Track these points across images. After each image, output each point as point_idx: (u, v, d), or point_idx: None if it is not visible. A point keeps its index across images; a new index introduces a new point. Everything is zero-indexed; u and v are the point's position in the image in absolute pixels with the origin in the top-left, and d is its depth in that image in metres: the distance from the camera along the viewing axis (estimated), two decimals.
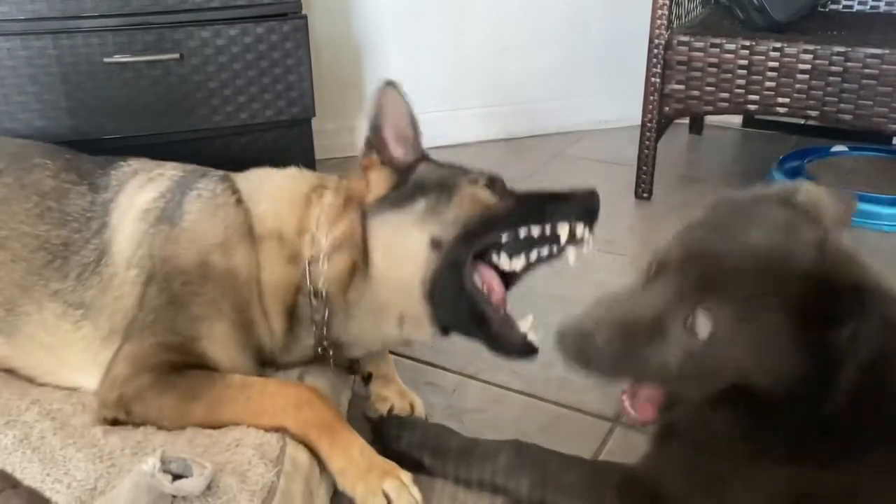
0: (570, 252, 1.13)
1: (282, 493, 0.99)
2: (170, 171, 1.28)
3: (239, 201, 1.21)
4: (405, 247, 1.12)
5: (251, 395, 1.10)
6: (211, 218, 1.19)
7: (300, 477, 1.04)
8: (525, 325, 1.10)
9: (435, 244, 1.10)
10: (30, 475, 0.98)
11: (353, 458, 1.04)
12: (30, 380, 1.22)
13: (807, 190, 0.86)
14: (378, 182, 1.19)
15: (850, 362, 0.71)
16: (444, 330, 1.14)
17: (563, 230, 1.11)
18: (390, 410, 1.21)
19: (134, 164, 1.32)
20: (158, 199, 1.22)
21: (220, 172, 1.29)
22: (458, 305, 1.10)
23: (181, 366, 1.11)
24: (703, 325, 0.77)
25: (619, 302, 0.83)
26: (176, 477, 0.91)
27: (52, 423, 1.09)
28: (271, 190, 1.23)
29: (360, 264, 1.14)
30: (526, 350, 1.09)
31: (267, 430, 1.07)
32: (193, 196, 1.21)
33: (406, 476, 1.04)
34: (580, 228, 1.12)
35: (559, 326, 0.84)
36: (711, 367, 0.78)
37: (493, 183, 1.19)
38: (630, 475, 0.96)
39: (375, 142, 1.21)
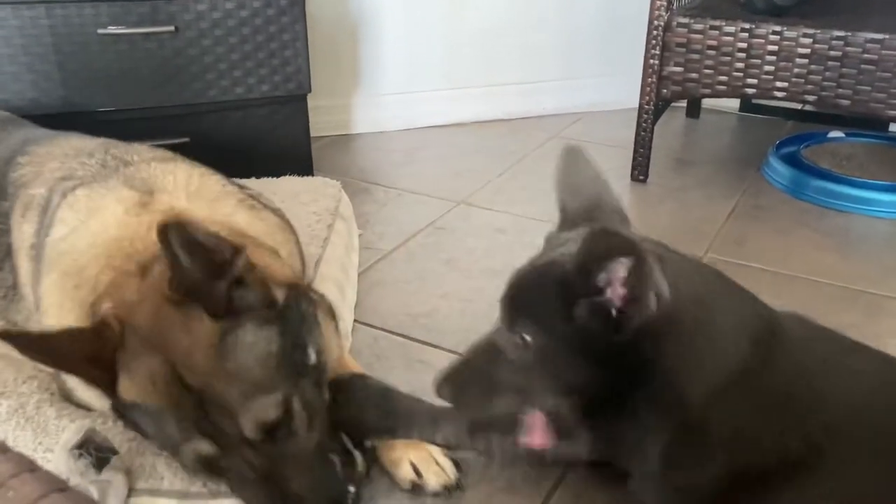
0: None
1: None
2: (41, 189, 1.15)
3: None
4: None
5: None
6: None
7: None
8: None
9: None
10: (22, 443, 0.99)
11: None
12: None
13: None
14: None
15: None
16: None
17: None
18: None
19: (26, 166, 1.21)
20: (38, 233, 1.11)
21: (83, 172, 1.14)
22: None
23: None
24: (524, 341, 0.87)
25: (477, 343, 0.94)
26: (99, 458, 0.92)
27: (50, 396, 1.10)
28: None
29: None
30: None
31: None
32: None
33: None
34: None
35: (437, 376, 0.93)
36: (548, 372, 0.87)
37: None
38: None
39: None
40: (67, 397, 1.09)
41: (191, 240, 0.80)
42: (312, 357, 0.95)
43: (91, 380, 0.91)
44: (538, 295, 0.87)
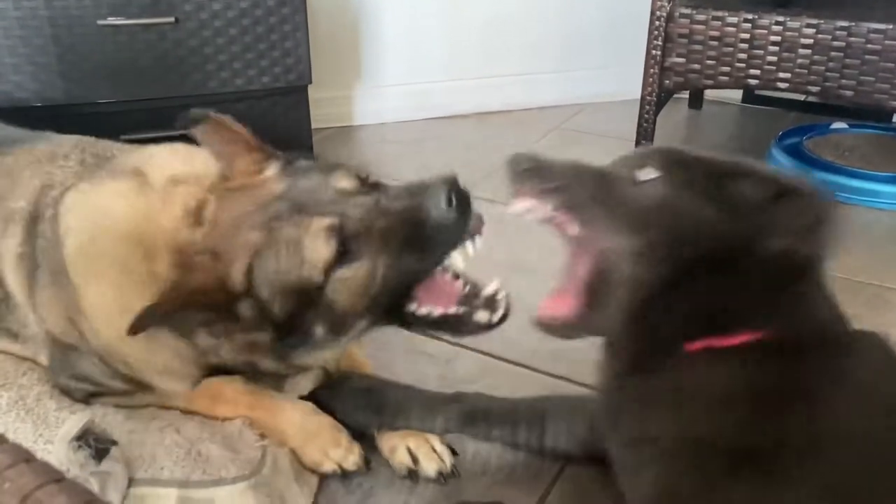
0: (457, 257, 1.01)
1: (271, 462, 1.00)
2: (21, 203, 1.12)
3: None
4: None
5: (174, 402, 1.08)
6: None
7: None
8: (490, 289, 1.04)
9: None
10: (22, 435, 0.99)
11: (294, 426, 1.05)
12: None
13: None
14: None
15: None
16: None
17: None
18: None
19: (2, 175, 1.18)
20: (22, 245, 1.10)
21: (62, 176, 1.14)
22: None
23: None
24: (646, 174, 0.85)
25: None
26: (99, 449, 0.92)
27: (50, 388, 1.10)
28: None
29: None
30: (488, 327, 1.04)
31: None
32: (40, 248, 1.08)
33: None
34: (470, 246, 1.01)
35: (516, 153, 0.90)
36: (663, 214, 0.83)
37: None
38: None
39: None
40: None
41: None
42: None
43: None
44: (689, 161, 0.87)
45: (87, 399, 1.08)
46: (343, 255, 0.92)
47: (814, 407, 0.78)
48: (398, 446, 1.08)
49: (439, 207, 0.92)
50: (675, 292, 0.83)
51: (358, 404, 1.09)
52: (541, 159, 0.89)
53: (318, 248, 0.91)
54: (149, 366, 1.03)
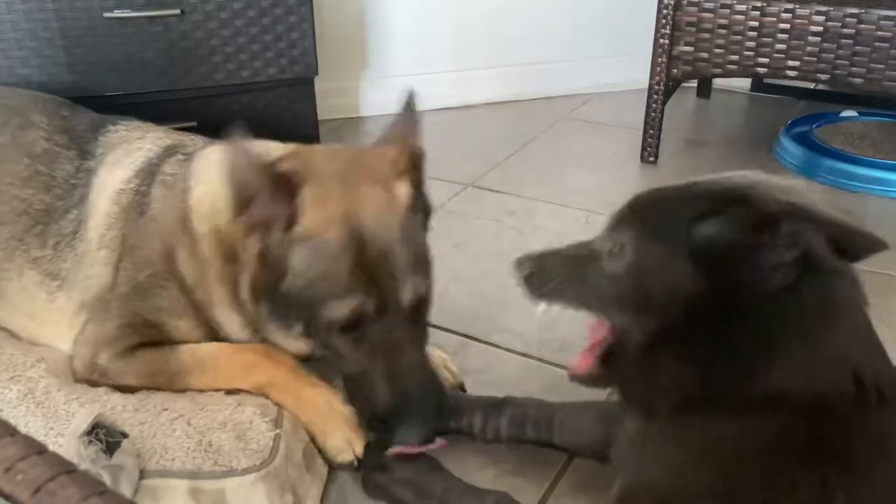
0: None
1: (283, 453, 1.00)
2: (147, 144, 1.23)
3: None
4: None
5: (205, 367, 1.10)
6: (173, 210, 1.13)
7: (301, 437, 1.05)
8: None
9: None
10: (33, 428, 1.00)
11: (320, 412, 1.06)
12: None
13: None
14: None
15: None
16: None
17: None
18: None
19: (122, 129, 1.28)
20: (132, 180, 1.18)
21: (193, 146, 1.22)
22: None
23: (139, 346, 1.11)
24: (624, 250, 0.85)
25: (570, 245, 0.95)
26: (109, 443, 0.93)
27: (57, 380, 1.10)
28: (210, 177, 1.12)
29: None
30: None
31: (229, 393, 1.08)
32: (159, 182, 1.16)
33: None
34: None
35: (519, 256, 0.96)
36: (634, 284, 0.84)
37: None
38: None
39: None
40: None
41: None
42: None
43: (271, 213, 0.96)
44: (658, 210, 0.86)
45: (129, 350, 1.10)
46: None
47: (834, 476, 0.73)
48: None
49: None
50: (677, 349, 0.82)
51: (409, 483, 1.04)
52: (538, 258, 0.95)
53: None
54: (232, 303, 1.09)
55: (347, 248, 0.95)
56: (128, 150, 1.22)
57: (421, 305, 1.02)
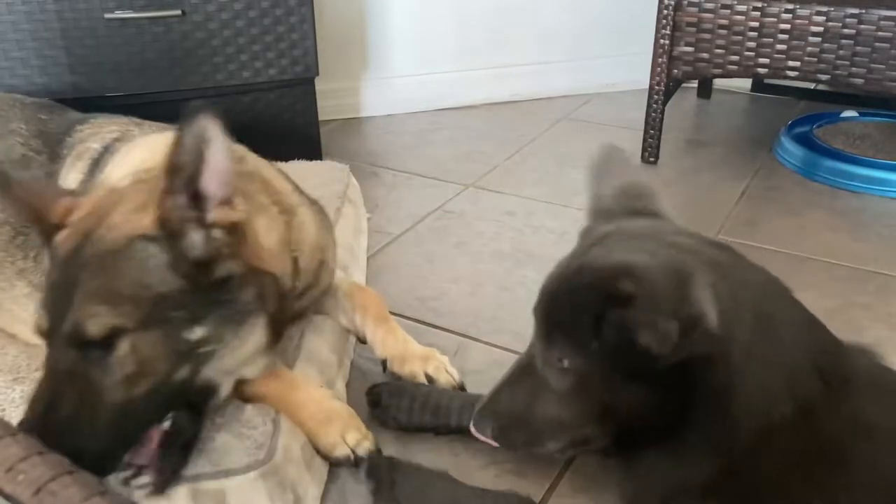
0: None
1: (282, 450, 1.00)
2: (96, 144, 1.20)
3: None
4: None
5: None
6: None
7: (300, 435, 1.05)
8: None
9: None
10: None
11: (308, 410, 1.06)
12: None
13: None
14: None
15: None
16: None
17: None
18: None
19: (87, 128, 1.26)
20: (83, 181, 1.15)
21: (139, 134, 1.22)
22: None
23: None
24: (562, 366, 0.81)
25: (516, 364, 0.91)
26: None
27: None
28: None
29: None
30: None
31: None
32: (98, 182, 1.12)
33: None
34: None
35: (476, 410, 0.90)
36: (590, 398, 0.81)
37: None
38: None
39: None
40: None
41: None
42: (196, 335, 0.89)
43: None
44: (570, 308, 0.80)
45: None
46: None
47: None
48: (417, 372, 1.19)
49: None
50: (648, 443, 0.83)
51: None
52: (490, 406, 0.90)
53: None
54: None
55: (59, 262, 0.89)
56: (80, 152, 1.21)
57: (96, 349, 0.84)
